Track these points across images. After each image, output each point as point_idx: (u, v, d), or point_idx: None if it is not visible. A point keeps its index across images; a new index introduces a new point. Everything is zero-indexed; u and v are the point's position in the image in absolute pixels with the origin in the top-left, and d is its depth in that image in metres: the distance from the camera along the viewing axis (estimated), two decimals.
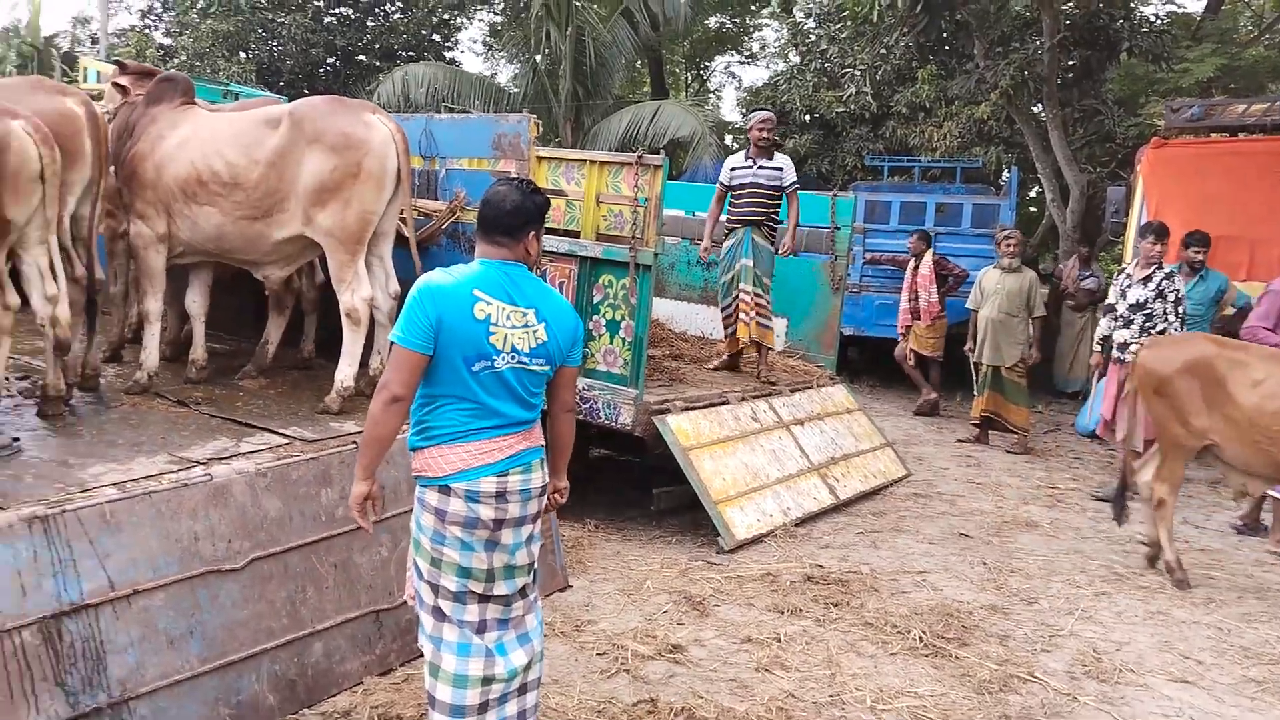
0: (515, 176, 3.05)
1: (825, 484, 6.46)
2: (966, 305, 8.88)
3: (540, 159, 5.54)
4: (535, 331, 2.81)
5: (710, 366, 7.30)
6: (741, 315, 7.00)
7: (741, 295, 6.97)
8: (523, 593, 2.94)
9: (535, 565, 3.00)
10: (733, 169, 7.18)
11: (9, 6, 29.70)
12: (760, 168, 7.04)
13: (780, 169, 7.03)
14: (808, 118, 16.88)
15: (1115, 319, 6.89)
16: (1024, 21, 13.14)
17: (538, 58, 17.86)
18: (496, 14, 22.46)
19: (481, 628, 2.84)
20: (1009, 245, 8.54)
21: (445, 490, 2.79)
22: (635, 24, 18.11)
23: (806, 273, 8.17)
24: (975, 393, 8.70)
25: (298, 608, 3.62)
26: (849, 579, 4.94)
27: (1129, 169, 11.07)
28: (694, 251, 8.60)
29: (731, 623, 4.38)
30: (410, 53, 21.20)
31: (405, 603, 3.83)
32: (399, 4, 21.38)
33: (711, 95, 28.28)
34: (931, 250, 9.85)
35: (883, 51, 13.29)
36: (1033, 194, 19.29)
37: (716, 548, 5.40)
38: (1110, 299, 7.02)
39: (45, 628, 2.96)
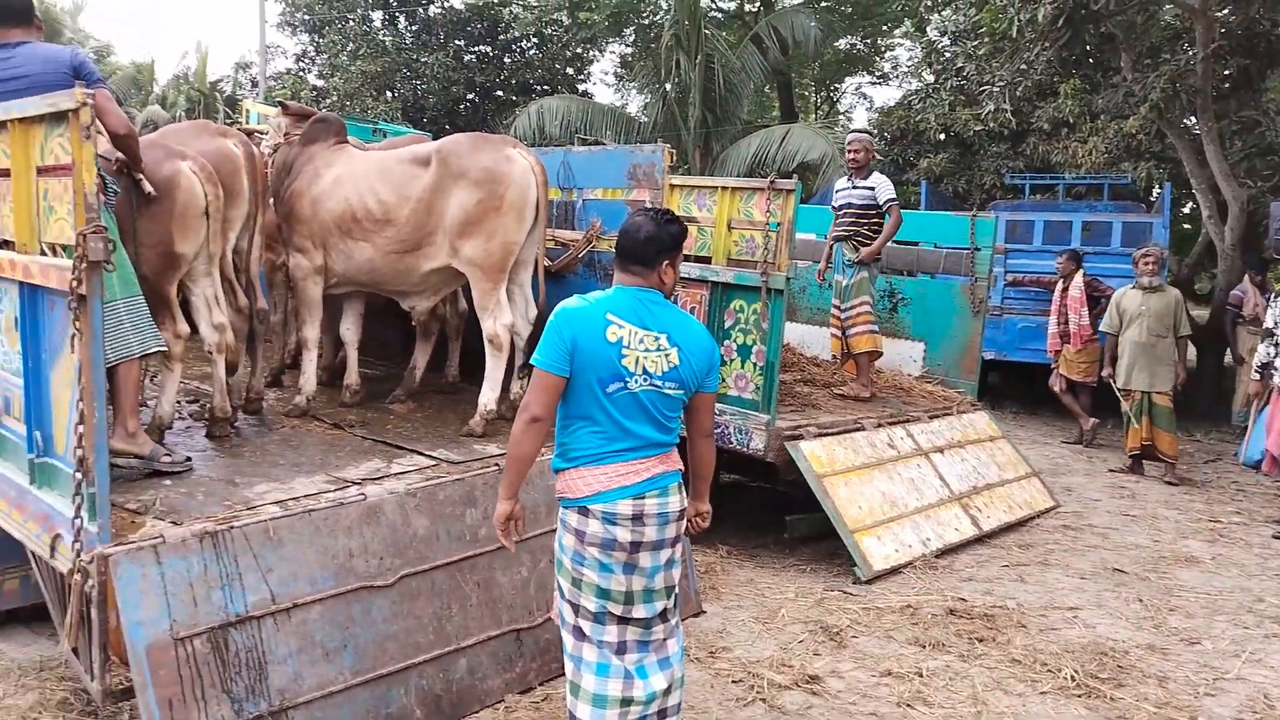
0: (652, 207, 3.12)
1: (967, 514, 6.26)
2: (1101, 328, 8.49)
3: (673, 187, 5.60)
4: (668, 355, 2.86)
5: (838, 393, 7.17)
6: (833, 330, 7.28)
7: (833, 312, 7.25)
8: (663, 616, 2.95)
9: (676, 590, 3.01)
10: (836, 190, 7.37)
11: (180, 55, 32.13)
12: (854, 187, 7.19)
13: (873, 188, 7.08)
14: (943, 136, 16.52)
15: (1276, 344, 6.45)
16: (1174, 32, 12.51)
17: (667, 86, 18.08)
18: (627, 46, 22.88)
19: (621, 649, 2.88)
20: (1148, 263, 8.13)
21: (584, 511, 2.86)
22: (764, 49, 18.14)
23: (945, 295, 7.97)
24: (1130, 422, 8.23)
25: (444, 624, 3.75)
26: (994, 614, 4.76)
27: None
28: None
29: (870, 655, 4.29)
30: (545, 86, 21.81)
31: (545, 622, 3.95)
32: (535, 40, 22.04)
33: (842, 117, 27.99)
34: (1082, 271, 9.44)
35: (1023, 67, 12.86)
36: (1186, 210, 18.30)
37: (853, 578, 5.30)
38: (1268, 322, 6.57)
39: (214, 637, 3.16)
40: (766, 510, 6.48)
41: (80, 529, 3.02)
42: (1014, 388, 11.42)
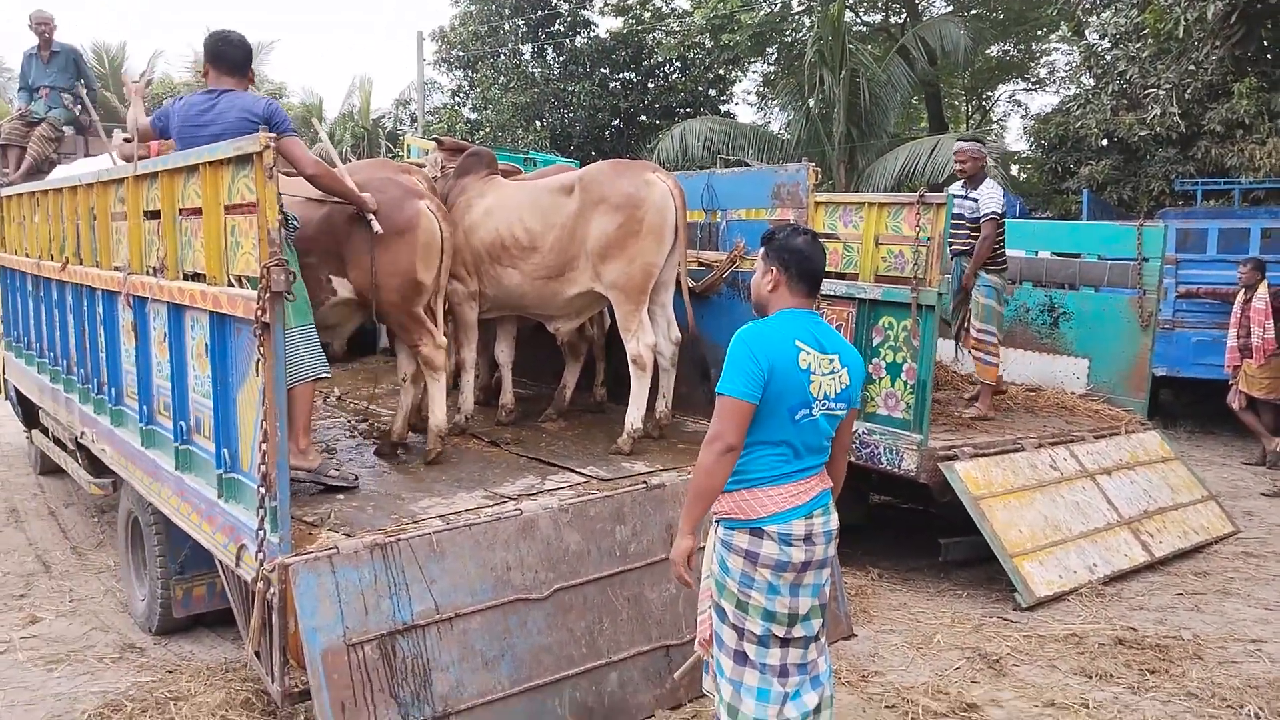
0: (807, 228, 3.09)
1: (1138, 540, 5.92)
2: None
3: (818, 204, 5.57)
4: (840, 377, 2.88)
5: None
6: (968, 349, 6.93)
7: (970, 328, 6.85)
8: (816, 636, 2.95)
9: (826, 607, 3.01)
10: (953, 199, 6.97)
11: (345, 94, 34.14)
12: (965, 198, 6.75)
13: (976, 199, 6.62)
14: (1105, 142, 15.74)
15: None
16: None
17: (811, 103, 17.97)
18: (769, 64, 22.88)
19: (783, 672, 2.87)
20: None
21: (758, 533, 2.84)
22: (911, 60, 17.80)
23: (1110, 309, 7.59)
24: None
25: (595, 638, 3.83)
26: (1167, 644, 4.49)
27: None
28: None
29: (1032, 684, 4.12)
30: (687, 109, 22.08)
31: (693, 639, 3.97)
32: (677, 64, 22.33)
33: (995, 125, 27.09)
34: (1266, 281, 8.78)
35: (1191, 68, 12.17)
36: None
37: (1013, 604, 5.10)
38: None
39: (383, 643, 3.34)
40: (919, 533, 6.32)
41: (263, 540, 3.25)
42: (1187, 406, 10.72)
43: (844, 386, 2.88)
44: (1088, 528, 5.75)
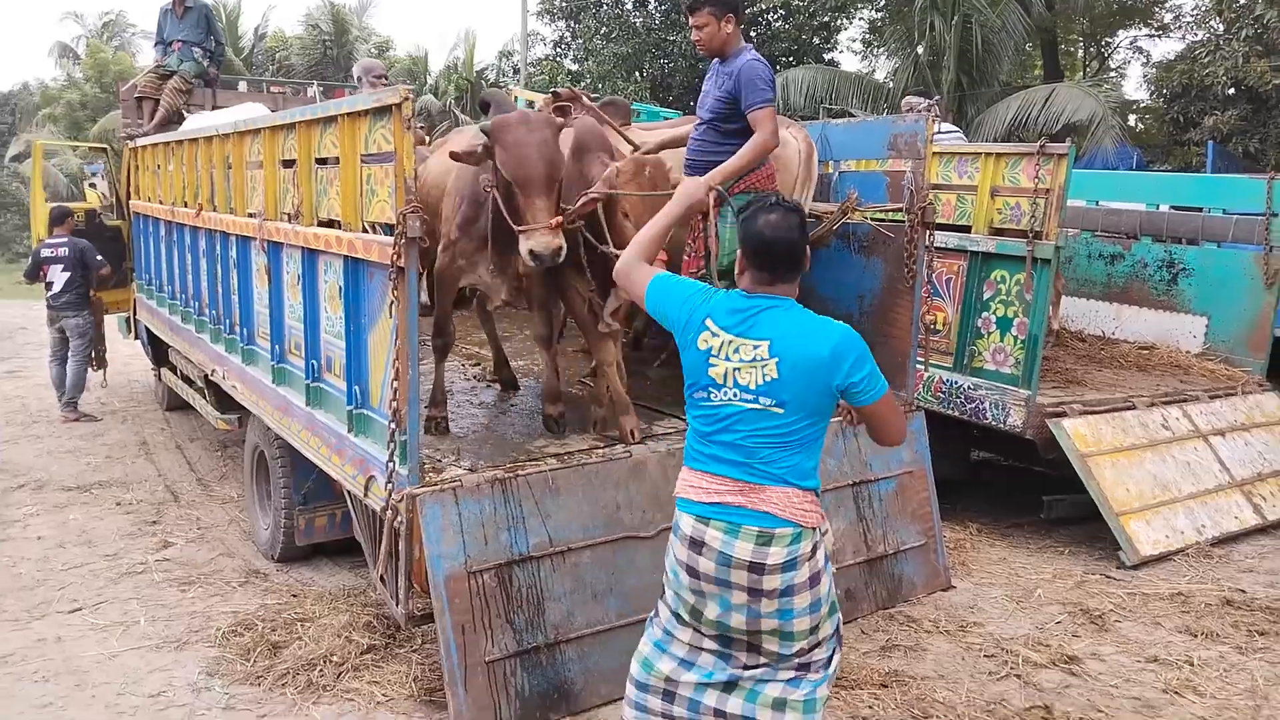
0: (778, 200, 2.75)
1: (1250, 502, 5.77)
2: None
3: (934, 154, 5.51)
4: (764, 368, 2.57)
5: None
6: None
7: None
8: (771, 659, 2.65)
9: (798, 643, 2.63)
10: None
11: (449, 47, 34.52)
12: None
13: None
14: (1232, 91, 14.95)
15: None
16: None
17: (919, 50, 17.46)
18: (877, 10, 22.25)
19: (693, 653, 2.72)
20: None
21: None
22: (1028, 5, 17.09)
23: (1234, 266, 7.29)
24: None
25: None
26: (1278, 606, 4.42)
27: None
28: (1095, 244, 8.02)
29: (1135, 640, 4.12)
30: (790, 58, 21.65)
31: None
32: (781, 11, 21.90)
33: (1114, 73, 25.85)
34: None
35: None
36: None
37: (1117, 562, 5.07)
38: None
39: (500, 572, 3.54)
40: (1020, 490, 6.28)
41: (393, 471, 3.47)
42: None
43: (768, 379, 2.55)
44: (1198, 488, 5.64)
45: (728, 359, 2.61)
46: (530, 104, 8.54)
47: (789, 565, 2.56)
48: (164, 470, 6.92)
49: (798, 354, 2.56)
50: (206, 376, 6.18)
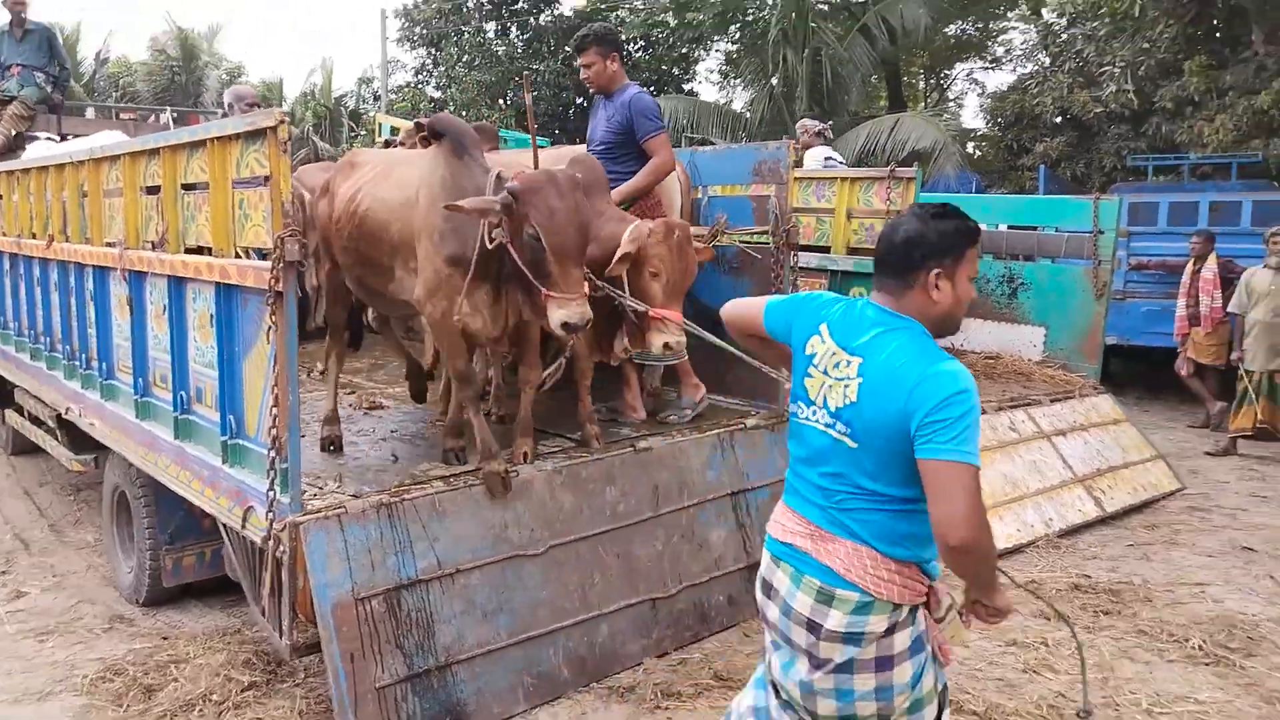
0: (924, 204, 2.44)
1: (1090, 496, 6.25)
2: (1230, 309, 8.28)
3: (796, 179, 5.79)
4: (847, 387, 2.22)
5: None
6: None
7: None
8: None
9: None
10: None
11: (306, 73, 33.76)
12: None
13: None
14: (1060, 119, 16.15)
15: None
16: None
17: (774, 81, 18.17)
18: (732, 43, 23.05)
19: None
20: (1275, 242, 7.89)
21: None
22: (873, 39, 18.05)
23: (1067, 280, 7.90)
24: (1244, 402, 8.01)
25: (587, 592, 4.04)
26: (1119, 589, 4.81)
27: None
28: None
29: (995, 626, 4.40)
30: (651, 88, 22.15)
31: (679, 592, 4.20)
32: (641, 43, 22.40)
33: (951, 104, 27.48)
34: (1215, 252, 9.18)
35: (1145, 46, 12.56)
36: None
37: None
38: None
39: (389, 598, 3.52)
40: None
41: (274, 500, 3.41)
42: (1136, 373, 11.16)
43: (847, 403, 2.20)
44: (1044, 485, 6.07)
45: (826, 372, 2.27)
46: (395, 130, 8.50)
47: (851, 638, 2.18)
48: (11, 518, 6.50)
49: (882, 379, 2.15)
50: (59, 416, 5.87)
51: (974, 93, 27.13)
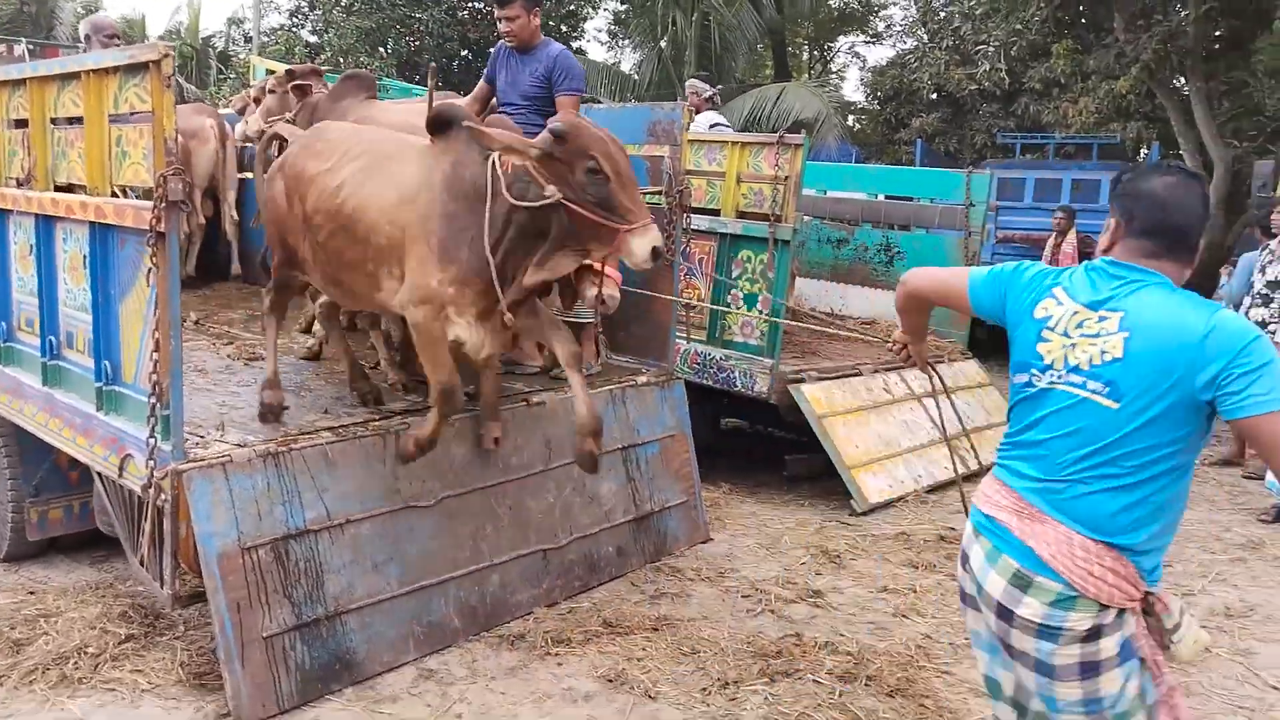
0: (1173, 164, 2.32)
1: (956, 454, 6.60)
2: None
3: (689, 142, 5.86)
4: (1108, 343, 2.05)
5: None
6: None
7: None
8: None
9: None
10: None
11: (171, 11, 31.86)
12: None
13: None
14: (936, 96, 16.73)
15: (1254, 297, 6.78)
16: None
17: (662, 44, 18.20)
18: (622, 3, 22.92)
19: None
20: None
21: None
22: (760, 6, 18.25)
23: (940, 250, 8.27)
24: None
25: (479, 543, 4.08)
26: None
27: (1279, 143, 10.68)
28: (824, 230, 8.80)
29: (868, 574, 4.66)
30: None
31: (569, 543, 4.27)
32: None
33: (834, 76, 28.10)
34: (1075, 228, 9.74)
35: (1018, 27, 13.10)
36: None
37: (850, 510, 5.66)
38: (1259, 285, 6.88)
39: (276, 547, 3.47)
40: (765, 454, 6.83)
41: (154, 448, 3.30)
42: (1000, 341, 11.78)
43: (1107, 358, 2.02)
44: (915, 443, 6.39)
45: (1065, 334, 2.11)
46: (270, 73, 8.16)
47: (1047, 633, 2.03)
48: None
49: (1158, 331, 1.98)
50: None
51: (856, 66, 27.84)
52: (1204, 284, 11.18)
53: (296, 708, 3.35)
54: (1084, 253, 9.59)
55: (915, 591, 4.43)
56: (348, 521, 3.68)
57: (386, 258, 3.66)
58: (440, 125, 3.66)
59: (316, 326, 5.34)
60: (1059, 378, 2.10)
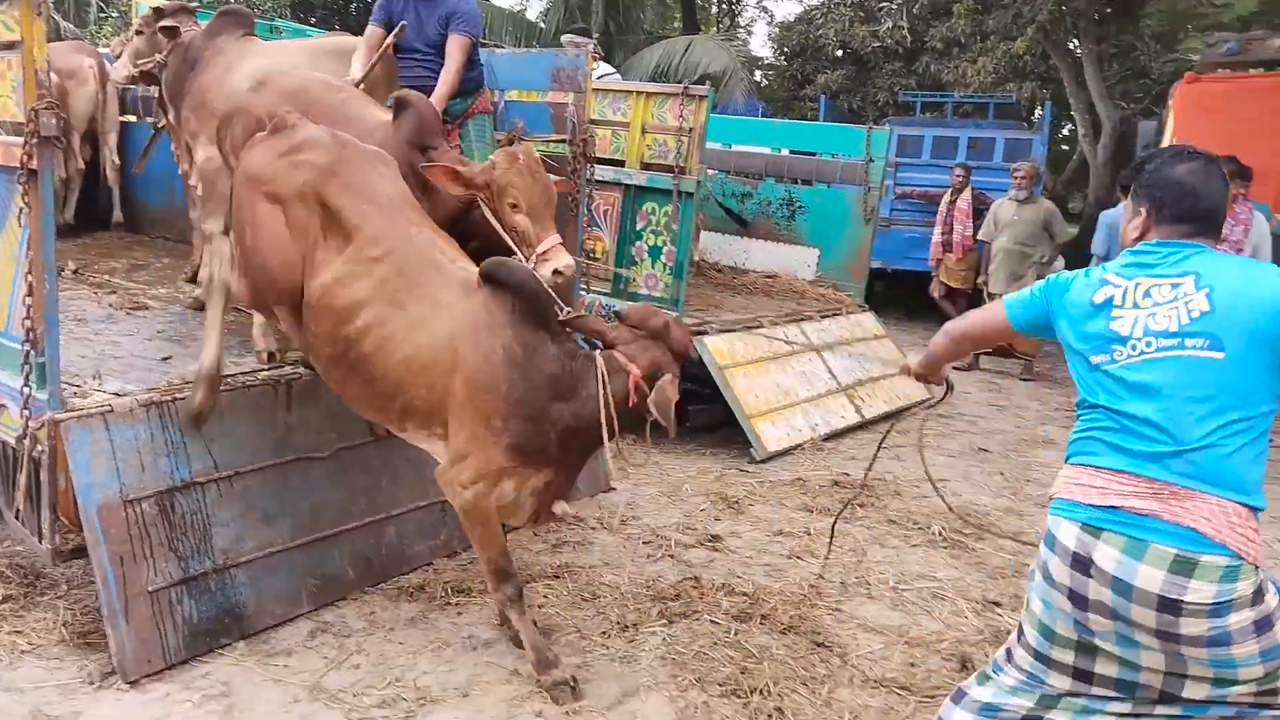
0: (1192, 149, 2.33)
1: (852, 404, 6.80)
2: (979, 237, 9.09)
3: (593, 90, 5.80)
4: (1190, 303, 2.09)
5: None
6: None
7: None
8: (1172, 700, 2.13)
9: (1226, 694, 2.08)
10: None
11: None
12: None
13: None
14: (841, 53, 16.89)
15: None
16: None
17: None
18: None
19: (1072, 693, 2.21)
20: (1019, 176, 8.70)
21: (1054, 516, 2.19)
22: None
23: (840, 205, 8.41)
24: None
25: (375, 495, 4.02)
26: (873, 485, 5.31)
27: (1163, 105, 11.13)
28: (730, 184, 8.85)
29: (764, 519, 4.77)
30: None
31: None
32: None
33: (742, 30, 28.08)
34: (970, 185, 10.00)
35: None
36: (1066, 132, 19.24)
37: (749, 458, 5.77)
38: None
39: (161, 500, 3.37)
40: None
41: (29, 397, 3.16)
42: (897, 295, 12.10)
43: (1195, 314, 2.06)
44: (812, 393, 6.54)
45: (1136, 305, 2.13)
46: (159, 12, 7.75)
47: (1220, 609, 1.95)
48: None
49: (1236, 284, 2.06)
50: None
51: (764, 20, 27.87)
52: (1085, 240, 11.68)
53: (184, 662, 3.27)
54: (978, 208, 9.87)
55: (809, 534, 4.56)
56: (236, 474, 3.59)
57: (426, 416, 3.25)
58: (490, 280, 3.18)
59: (203, 273, 5.17)
60: (1149, 346, 2.09)
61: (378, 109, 4.18)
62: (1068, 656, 2.16)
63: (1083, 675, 2.16)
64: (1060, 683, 2.18)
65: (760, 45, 28.01)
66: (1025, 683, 2.24)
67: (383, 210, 3.33)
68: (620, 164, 6.19)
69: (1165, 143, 8.79)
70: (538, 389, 3.06)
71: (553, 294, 3.16)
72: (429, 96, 4.30)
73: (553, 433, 3.08)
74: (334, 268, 3.26)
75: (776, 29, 22.36)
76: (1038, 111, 14.45)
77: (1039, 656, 2.21)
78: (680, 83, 7.42)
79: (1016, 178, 8.70)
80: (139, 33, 5.34)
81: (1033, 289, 2.42)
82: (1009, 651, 2.31)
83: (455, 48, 4.42)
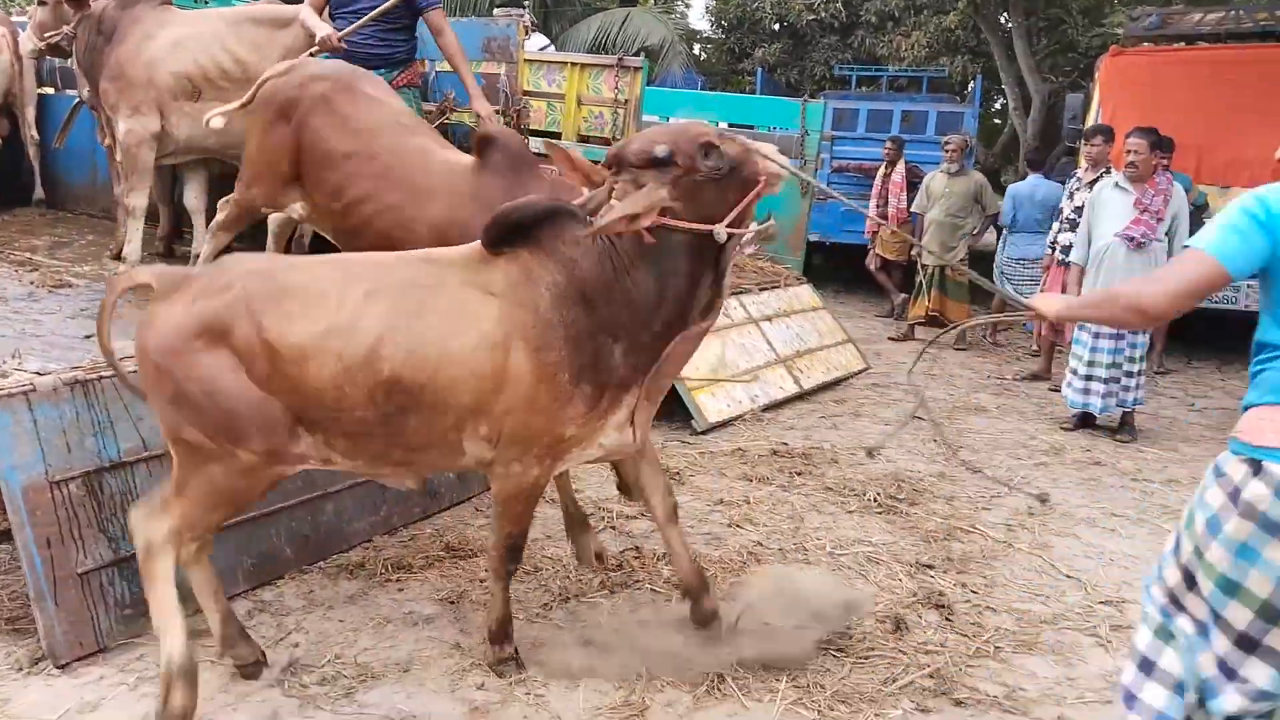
0: None
1: (790, 375, 6.87)
2: (913, 209, 9.21)
3: (526, 61, 5.74)
4: None
5: None
6: None
7: None
8: None
9: None
10: None
11: None
12: None
13: None
14: (778, 26, 16.94)
15: (1062, 222, 7.24)
16: None
17: None
18: None
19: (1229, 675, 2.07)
20: (950, 149, 8.84)
21: (1255, 467, 2.01)
22: None
23: None
24: (920, 292, 9.05)
25: (312, 473, 3.95)
26: (811, 453, 5.39)
27: (1090, 78, 11.36)
28: None
29: (705, 489, 4.82)
30: None
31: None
32: None
33: (680, 3, 27.95)
34: (904, 158, 10.11)
35: None
36: (998, 105, 19.55)
37: (690, 430, 5.81)
38: (1066, 211, 7.34)
39: (89, 480, 3.29)
40: None
41: None
42: (834, 268, 12.23)
43: None
44: (752, 365, 6.59)
45: None
46: None
47: None
48: None
49: None
50: None
51: None
52: None
53: (119, 645, 3.21)
54: (911, 181, 9.99)
55: (749, 503, 4.62)
56: (168, 452, 3.50)
57: (467, 420, 2.84)
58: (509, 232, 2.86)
59: (127, 249, 5.05)
60: None
61: (451, 151, 4.14)
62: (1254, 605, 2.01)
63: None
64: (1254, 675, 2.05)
65: (698, 18, 27.91)
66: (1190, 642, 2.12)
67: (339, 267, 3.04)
68: (556, 136, 6.14)
69: (1092, 115, 9.01)
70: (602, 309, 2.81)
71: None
72: (401, 73, 4.32)
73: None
74: (317, 349, 2.80)
75: (714, 2, 22.33)
76: (970, 85, 14.65)
77: (1242, 642, 2.05)
78: (618, 55, 7.37)
79: (948, 150, 8.83)
80: (42, 3, 5.16)
81: (1225, 227, 2.11)
82: (1174, 599, 2.16)
83: (443, 21, 4.52)
